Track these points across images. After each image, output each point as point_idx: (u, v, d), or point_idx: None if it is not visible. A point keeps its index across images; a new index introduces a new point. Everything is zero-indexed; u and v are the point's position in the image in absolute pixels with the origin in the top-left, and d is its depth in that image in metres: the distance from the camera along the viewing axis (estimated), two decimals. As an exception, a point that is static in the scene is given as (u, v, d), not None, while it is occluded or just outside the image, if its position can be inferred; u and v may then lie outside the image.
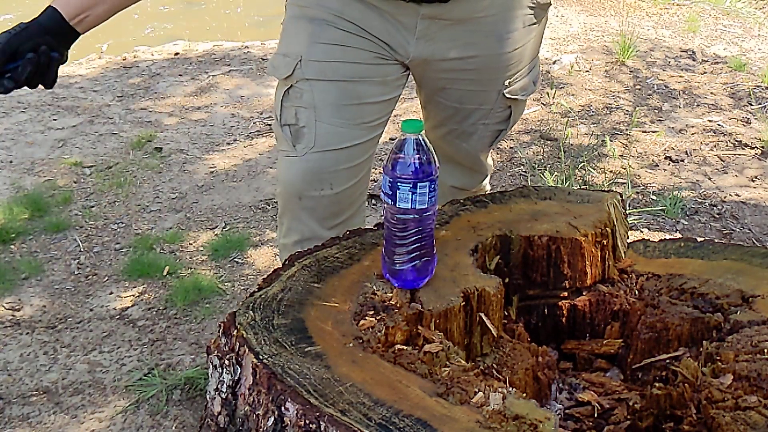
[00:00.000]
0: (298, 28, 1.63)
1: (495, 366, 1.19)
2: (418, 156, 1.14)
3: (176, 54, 4.81)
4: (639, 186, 3.29)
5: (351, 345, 1.07)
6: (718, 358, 1.17)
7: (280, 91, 1.65)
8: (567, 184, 3.12)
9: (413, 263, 1.18)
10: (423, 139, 1.15)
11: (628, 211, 2.89)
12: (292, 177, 1.64)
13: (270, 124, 3.89)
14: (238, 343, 1.07)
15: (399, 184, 1.14)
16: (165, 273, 2.72)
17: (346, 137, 1.63)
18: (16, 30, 1.44)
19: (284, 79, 1.63)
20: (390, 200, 1.15)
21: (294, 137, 1.62)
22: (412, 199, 1.15)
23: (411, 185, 1.14)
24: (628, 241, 1.50)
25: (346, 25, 1.58)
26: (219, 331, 1.13)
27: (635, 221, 3.01)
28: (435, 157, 1.16)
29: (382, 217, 1.21)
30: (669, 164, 3.49)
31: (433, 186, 1.15)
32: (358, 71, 1.61)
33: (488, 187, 2.03)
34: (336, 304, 1.16)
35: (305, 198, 1.64)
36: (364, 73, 1.62)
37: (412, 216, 1.16)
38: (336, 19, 1.58)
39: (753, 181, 3.35)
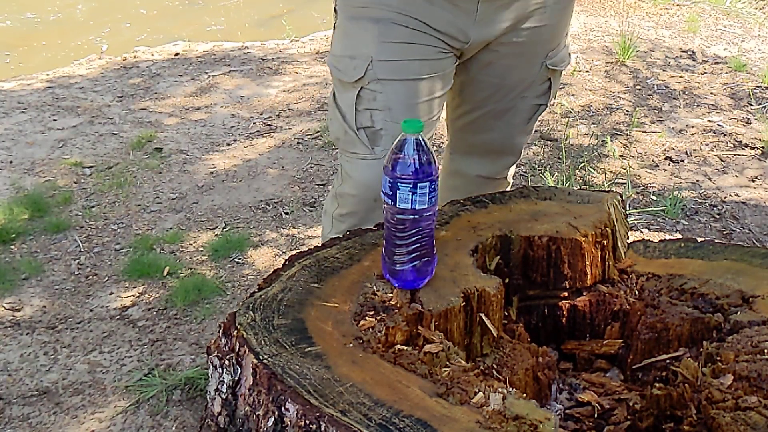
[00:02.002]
0: (361, 29, 1.63)
1: (495, 366, 1.19)
2: (418, 156, 1.14)
3: (176, 54, 4.82)
4: (639, 186, 3.29)
5: (351, 345, 1.07)
6: (718, 358, 1.17)
7: (349, 95, 1.65)
8: (567, 184, 3.12)
9: (413, 263, 1.18)
10: (423, 140, 1.15)
11: (628, 212, 2.89)
12: (370, 179, 1.65)
13: (270, 125, 3.89)
14: (238, 344, 1.07)
15: (399, 184, 1.14)
16: (165, 273, 2.72)
17: None
18: None
19: (354, 81, 1.63)
20: (390, 200, 1.15)
21: (371, 140, 1.64)
22: (411, 200, 1.15)
23: (411, 185, 1.14)
24: (628, 241, 1.50)
25: (410, 21, 1.59)
26: (219, 332, 1.13)
27: (635, 221, 3.01)
28: (435, 157, 1.17)
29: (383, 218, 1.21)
30: (669, 164, 3.49)
31: (433, 186, 1.16)
32: (425, 67, 1.63)
33: (511, 180, 2.03)
34: (336, 305, 1.16)
35: (380, 199, 1.66)
36: (430, 69, 1.64)
37: (411, 216, 1.16)
38: (399, 16, 1.59)
39: (753, 182, 3.35)
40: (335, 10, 1.69)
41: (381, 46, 1.61)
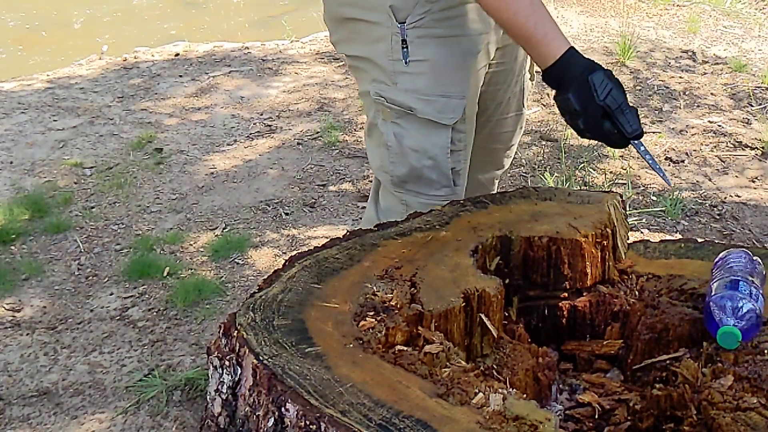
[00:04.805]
0: (456, 63, 1.54)
1: (495, 367, 1.19)
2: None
3: (176, 55, 4.82)
4: (639, 187, 3.29)
5: (351, 346, 1.07)
6: (718, 359, 1.17)
7: (440, 137, 1.57)
8: (567, 184, 3.12)
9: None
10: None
11: (628, 212, 2.89)
12: None
13: (270, 125, 3.89)
14: (238, 344, 1.07)
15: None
16: (165, 274, 2.72)
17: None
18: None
19: (454, 123, 1.56)
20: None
21: (454, 179, 1.62)
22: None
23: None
24: (629, 241, 1.50)
25: (478, 45, 1.55)
26: (219, 332, 1.13)
27: (635, 222, 3.00)
28: None
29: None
30: (669, 165, 3.49)
31: None
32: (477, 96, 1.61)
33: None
34: (336, 305, 1.16)
35: None
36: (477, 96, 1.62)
37: None
38: (478, 43, 1.53)
39: (753, 182, 3.35)
40: (404, 41, 1.51)
41: (471, 82, 1.56)
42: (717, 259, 1.31)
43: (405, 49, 1.52)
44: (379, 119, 1.61)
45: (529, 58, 1.79)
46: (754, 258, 1.29)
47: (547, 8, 1.46)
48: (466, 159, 1.62)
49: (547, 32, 1.40)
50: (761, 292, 1.22)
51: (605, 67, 1.40)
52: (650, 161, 1.42)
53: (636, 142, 1.39)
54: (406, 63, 1.53)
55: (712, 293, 1.21)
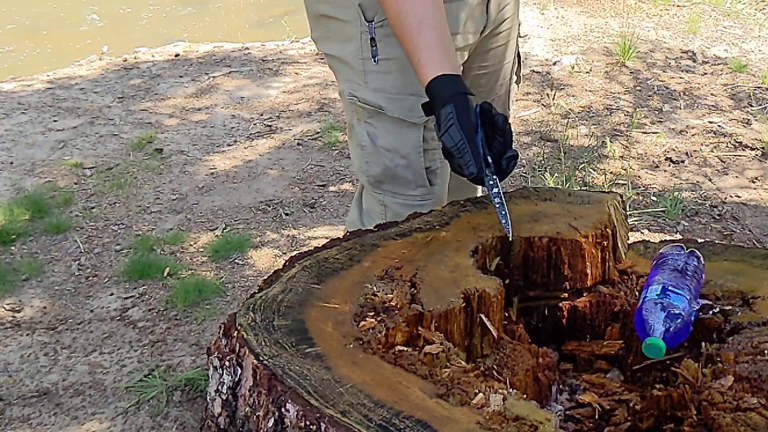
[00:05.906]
0: None
1: (495, 367, 1.19)
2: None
3: (177, 55, 4.82)
4: (639, 187, 3.29)
5: (351, 346, 1.07)
6: (718, 359, 1.16)
7: (411, 136, 1.56)
8: (567, 185, 3.12)
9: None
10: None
11: (628, 212, 2.89)
12: None
13: (270, 126, 3.89)
14: (238, 344, 1.07)
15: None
16: (165, 274, 2.72)
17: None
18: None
19: (425, 122, 1.55)
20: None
21: (430, 180, 1.60)
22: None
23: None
24: (629, 242, 1.50)
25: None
26: (219, 333, 1.13)
27: (636, 222, 3.00)
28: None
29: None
30: (669, 165, 3.49)
31: None
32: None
33: None
34: (336, 305, 1.16)
35: None
36: None
37: None
38: None
39: (753, 183, 3.35)
40: (372, 40, 1.51)
41: None
42: (656, 257, 1.30)
43: (374, 48, 1.52)
44: (354, 119, 1.62)
45: (515, 61, 1.79)
46: (693, 254, 1.28)
47: (440, 30, 1.41)
48: (443, 158, 1.61)
49: (420, 58, 1.37)
50: (695, 292, 1.22)
51: (464, 99, 1.34)
52: (497, 206, 1.36)
53: (490, 182, 1.34)
54: (375, 62, 1.53)
55: (645, 297, 1.21)
